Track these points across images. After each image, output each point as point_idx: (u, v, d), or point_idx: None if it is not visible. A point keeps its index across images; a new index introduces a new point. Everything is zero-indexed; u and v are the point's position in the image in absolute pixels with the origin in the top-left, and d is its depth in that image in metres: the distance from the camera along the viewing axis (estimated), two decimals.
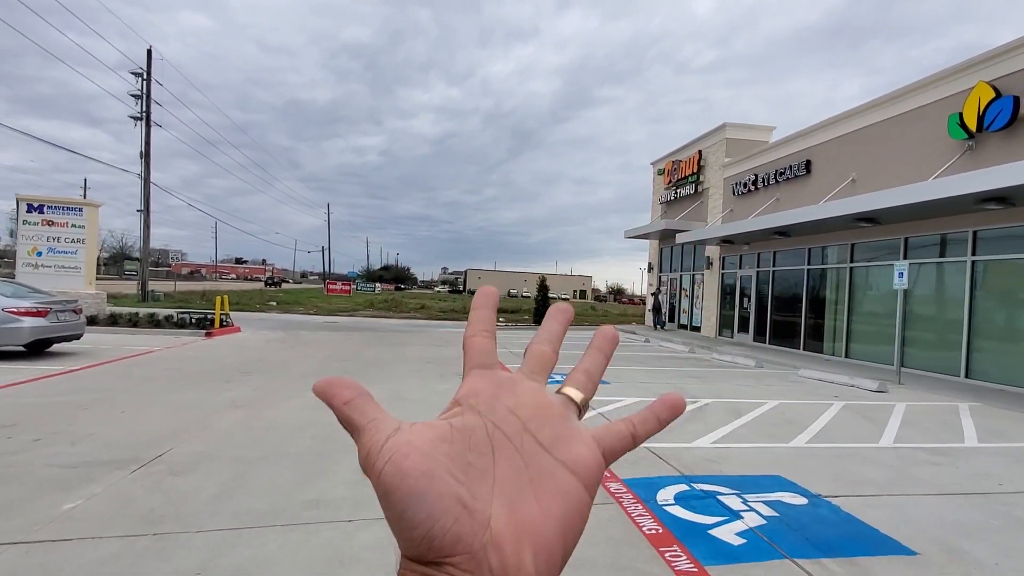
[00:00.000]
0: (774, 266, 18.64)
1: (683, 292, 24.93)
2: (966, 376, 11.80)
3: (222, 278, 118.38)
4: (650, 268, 28.22)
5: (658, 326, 25.31)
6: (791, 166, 17.38)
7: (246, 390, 8.34)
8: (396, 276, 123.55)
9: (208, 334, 15.68)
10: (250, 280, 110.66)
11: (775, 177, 18.12)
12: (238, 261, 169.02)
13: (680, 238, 21.30)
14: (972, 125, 11.44)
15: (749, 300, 19.72)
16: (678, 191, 24.63)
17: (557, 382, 0.42)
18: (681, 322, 25.04)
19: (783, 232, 16.53)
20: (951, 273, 12.41)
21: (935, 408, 8.91)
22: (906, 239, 13.56)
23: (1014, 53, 10.83)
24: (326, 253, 78.76)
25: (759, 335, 19.16)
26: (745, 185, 19.71)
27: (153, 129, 26.66)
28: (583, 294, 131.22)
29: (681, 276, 25.14)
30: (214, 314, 16.84)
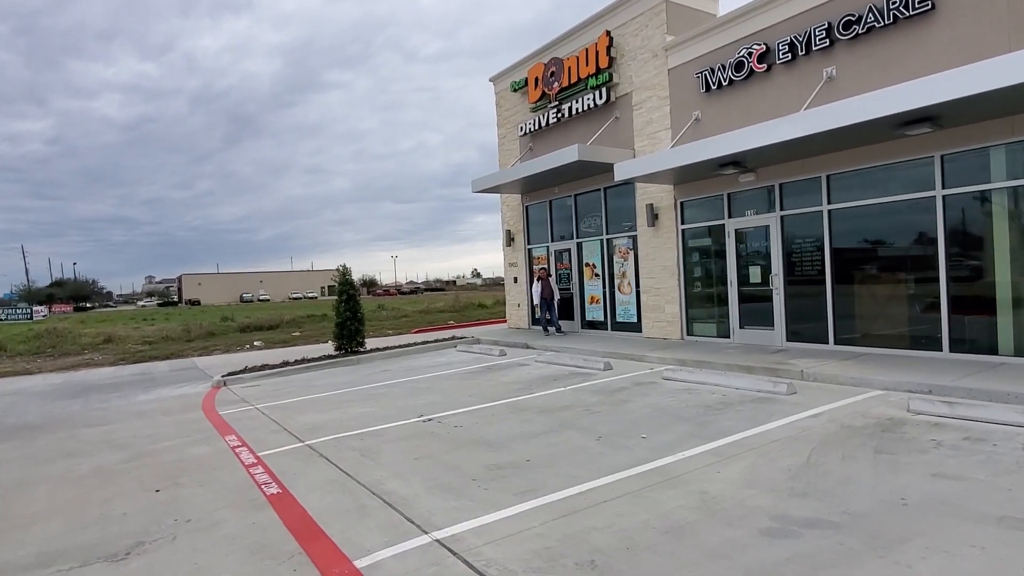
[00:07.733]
0: (829, 203, 10.22)
1: (590, 270, 15.55)
2: None
3: None
4: (510, 239, 18.28)
5: (548, 329, 15.58)
6: (888, 5, 9.01)
7: None
8: (75, 293, 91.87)
9: None
10: None
11: (834, 32, 9.63)
12: None
13: (642, 166, 11.69)
14: None
15: (769, 271, 11.13)
16: (562, 109, 15.05)
17: None
18: (588, 319, 15.68)
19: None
20: None
21: None
22: None
23: None
24: None
25: (810, 332, 10.65)
26: (739, 68, 10.98)
27: None
28: (333, 290, 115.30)
29: (580, 245, 15.73)
30: None
